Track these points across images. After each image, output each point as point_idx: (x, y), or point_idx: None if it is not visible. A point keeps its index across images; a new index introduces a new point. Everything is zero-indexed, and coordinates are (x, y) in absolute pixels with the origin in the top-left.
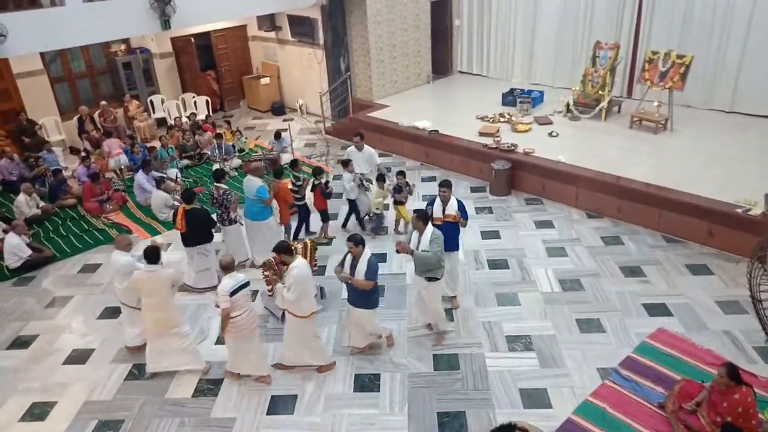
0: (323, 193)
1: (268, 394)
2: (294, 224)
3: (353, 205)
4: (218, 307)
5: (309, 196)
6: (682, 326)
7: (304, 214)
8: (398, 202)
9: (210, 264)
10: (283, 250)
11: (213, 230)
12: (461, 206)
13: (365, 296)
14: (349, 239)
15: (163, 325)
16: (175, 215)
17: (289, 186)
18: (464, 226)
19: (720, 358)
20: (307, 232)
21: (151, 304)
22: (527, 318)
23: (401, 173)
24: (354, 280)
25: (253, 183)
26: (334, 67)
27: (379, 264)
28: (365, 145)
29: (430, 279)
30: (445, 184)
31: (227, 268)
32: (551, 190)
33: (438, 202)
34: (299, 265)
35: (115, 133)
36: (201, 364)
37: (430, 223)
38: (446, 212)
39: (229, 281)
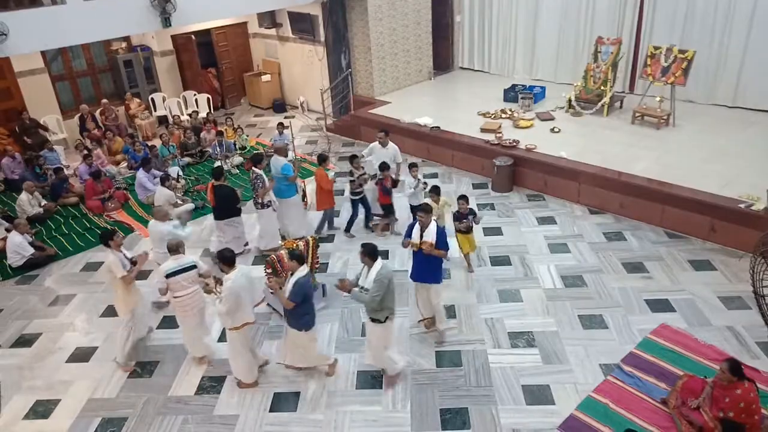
0: (384, 189)
1: (271, 391)
2: (343, 215)
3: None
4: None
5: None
6: (685, 322)
7: (356, 210)
8: (461, 231)
9: (239, 233)
10: (222, 259)
11: (238, 205)
12: (440, 234)
13: (294, 317)
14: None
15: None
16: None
17: (330, 176)
18: (445, 257)
19: (722, 353)
20: (366, 226)
21: None
22: (530, 314)
23: (414, 165)
24: (278, 291)
25: (278, 162)
26: (335, 63)
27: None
28: (390, 142)
29: (372, 320)
30: (424, 209)
31: (173, 250)
32: (553, 186)
33: (417, 226)
34: (233, 277)
35: (115, 132)
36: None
37: (380, 259)
38: (423, 239)
39: (170, 263)
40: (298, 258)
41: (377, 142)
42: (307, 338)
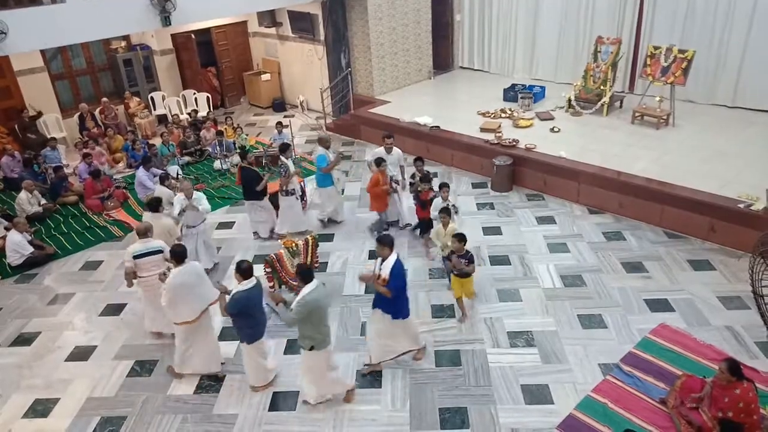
0: (422, 203)
1: (270, 390)
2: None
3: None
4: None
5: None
6: (684, 322)
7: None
8: (456, 274)
9: (264, 218)
10: (172, 254)
11: (258, 188)
12: (395, 270)
13: (235, 327)
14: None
15: None
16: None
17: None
18: (388, 295)
19: (721, 353)
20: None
21: None
22: (529, 314)
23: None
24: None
25: (316, 152)
26: (335, 63)
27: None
28: (394, 147)
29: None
30: (382, 240)
31: (141, 233)
32: (553, 185)
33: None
34: (175, 273)
35: (115, 129)
36: None
37: (314, 280)
38: (382, 273)
39: (136, 246)
40: (246, 271)
41: (382, 148)
42: (246, 351)
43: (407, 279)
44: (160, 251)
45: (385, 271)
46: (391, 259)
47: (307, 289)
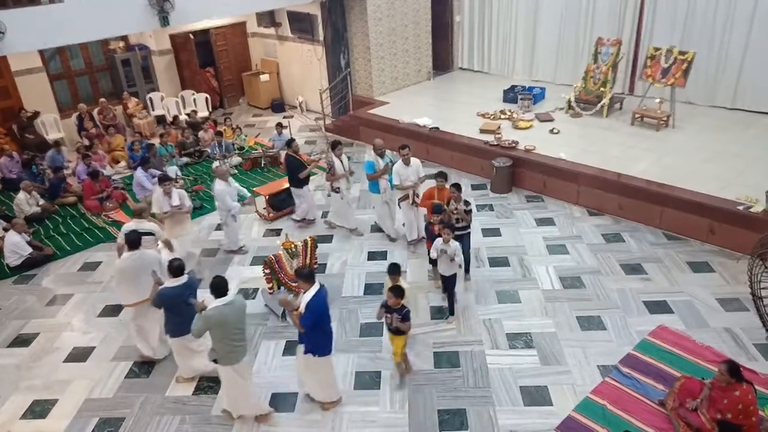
0: (432, 236)
1: (268, 391)
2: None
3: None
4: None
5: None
6: (683, 323)
7: (466, 247)
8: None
9: (302, 204)
10: (126, 240)
11: (300, 176)
12: (310, 305)
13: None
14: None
15: None
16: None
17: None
18: (300, 330)
19: (720, 355)
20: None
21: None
22: (528, 315)
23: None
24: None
25: (366, 158)
26: (334, 63)
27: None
28: (412, 158)
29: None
30: (298, 274)
31: (136, 213)
32: (552, 187)
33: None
34: (125, 257)
35: (114, 130)
36: None
37: (229, 295)
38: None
39: (130, 224)
40: (307, 276)
41: (400, 161)
42: (171, 343)
43: (329, 314)
44: (151, 234)
45: (303, 303)
46: (310, 293)
47: (213, 304)
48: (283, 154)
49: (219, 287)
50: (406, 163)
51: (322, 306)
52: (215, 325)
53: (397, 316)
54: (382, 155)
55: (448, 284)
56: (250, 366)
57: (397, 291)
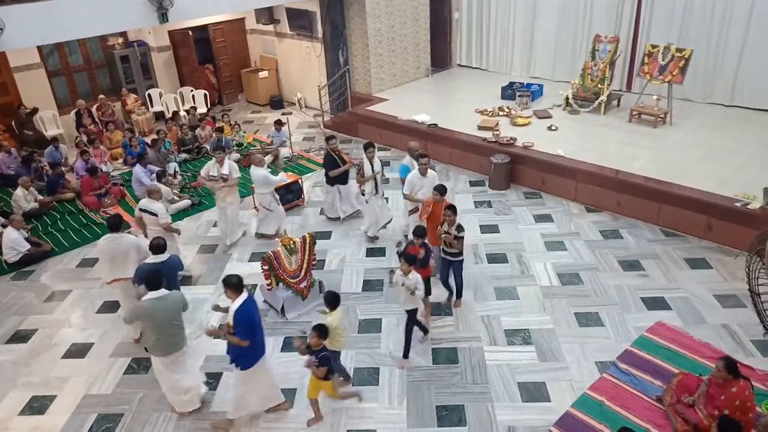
0: (413, 258)
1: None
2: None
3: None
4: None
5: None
6: (681, 320)
7: (457, 272)
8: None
9: (332, 201)
10: (107, 222)
11: (331, 174)
12: (243, 315)
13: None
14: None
15: None
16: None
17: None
18: (243, 344)
19: (718, 351)
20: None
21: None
22: (526, 312)
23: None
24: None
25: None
26: (333, 60)
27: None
28: (429, 169)
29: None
30: (229, 283)
31: (150, 192)
32: (550, 183)
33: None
34: (106, 237)
35: (114, 126)
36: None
37: (163, 291)
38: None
39: (144, 201)
40: (234, 285)
41: (416, 171)
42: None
43: (260, 324)
44: (155, 215)
45: (230, 315)
46: (236, 303)
47: (145, 297)
48: (282, 151)
49: (150, 281)
50: (423, 173)
51: (250, 315)
52: (143, 317)
53: (313, 358)
54: (417, 158)
55: (407, 319)
56: (183, 362)
57: (319, 329)
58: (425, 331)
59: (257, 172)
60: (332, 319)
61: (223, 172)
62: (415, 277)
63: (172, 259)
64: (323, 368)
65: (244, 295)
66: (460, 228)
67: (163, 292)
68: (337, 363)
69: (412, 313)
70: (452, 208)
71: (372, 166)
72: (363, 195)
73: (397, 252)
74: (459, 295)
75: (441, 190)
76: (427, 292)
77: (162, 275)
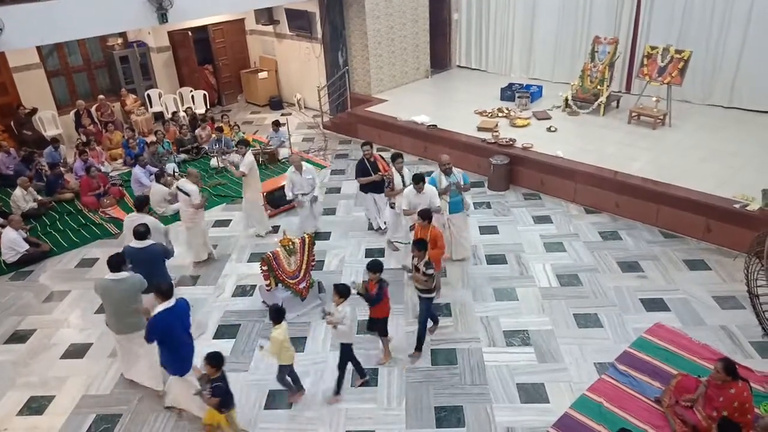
0: (369, 298)
1: (266, 388)
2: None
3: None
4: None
5: None
6: (680, 321)
7: (422, 314)
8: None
9: (368, 206)
10: (135, 204)
11: (359, 181)
12: (150, 323)
13: None
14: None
15: None
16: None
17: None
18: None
19: (717, 353)
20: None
21: None
22: (525, 313)
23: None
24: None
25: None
26: (332, 61)
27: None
28: (425, 185)
29: None
30: (157, 288)
31: (187, 175)
32: (549, 185)
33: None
34: (128, 216)
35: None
36: None
37: (124, 273)
38: None
39: (182, 180)
40: (162, 292)
41: (411, 188)
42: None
43: (177, 334)
44: (188, 194)
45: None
46: (157, 309)
47: (107, 276)
48: (281, 151)
49: (110, 263)
50: (419, 191)
51: (162, 324)
52: (99, 294)
53: (207, 388)
54: (447, 172)
55: (340, 354)
56: (140, 344)
57: (212, 357)
58: (362, 374)
59: (291, 176)
60: (278, 333)
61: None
62: (343, 311)
63: (152, 247)
64: (215, 399)
65: (168, 304)
66: (428, 265)
67: (122, 275)
68: (292, 374)
69: (344, 348)
70: (419, 244)
71: (402, 178)
72: (393, 207)
73: (353, 288)
74: (434, 321)
75: (423, 215)
76: (382, 333)
77: (125, 259)
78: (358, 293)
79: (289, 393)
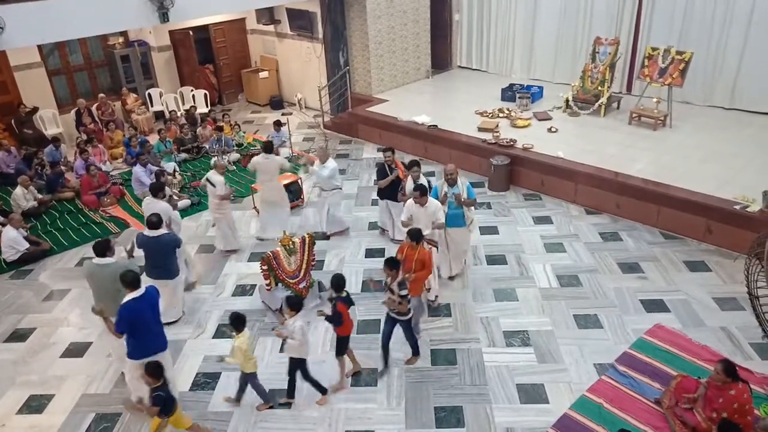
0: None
1: (265, 387)
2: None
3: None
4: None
5: None
6: (680, 322)
7: (406, 331)
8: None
9: (380, 215)
10: (150, 188)
11: (378, 185)
12: (123, 309)
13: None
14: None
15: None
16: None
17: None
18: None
19: (716, 354)
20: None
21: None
22: (525, 313)
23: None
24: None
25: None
26: (333, 61)
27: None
28: (429, 198)
29: None
30: (122, 278)
31: (216, 167)
32: (550, 185)
33: None
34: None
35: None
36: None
37: (113, 258)
38: None
39: (211, 173)
40: (128, 282)
41: (411, 201)
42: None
43: (144, 322)
44: (214, 186)
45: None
46: (127, 297)
47: (93, 260)
48: (282, 151)
49: (95, 247)
50: (422, 204)
51: (130, 313)
52: (85, 276)
53: (147, 396)
54: (450, 183)
55: (289, 367)
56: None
57: (148, 368)
58: (322, 391)
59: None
60: (240, 342)
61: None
62: (294, 325)
63: (164, 236)
64: (155, 408)
65: (136, 293)
66: (402, 285)
67: (107, 260)
68: (255, 384)
69: (293, 362)
70: (389, 262)
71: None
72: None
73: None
74: (415, 352)
75: (413, 235)
76: (340, 352)
77: (110, 245)
78: (326, 318)
79: (260, 403)
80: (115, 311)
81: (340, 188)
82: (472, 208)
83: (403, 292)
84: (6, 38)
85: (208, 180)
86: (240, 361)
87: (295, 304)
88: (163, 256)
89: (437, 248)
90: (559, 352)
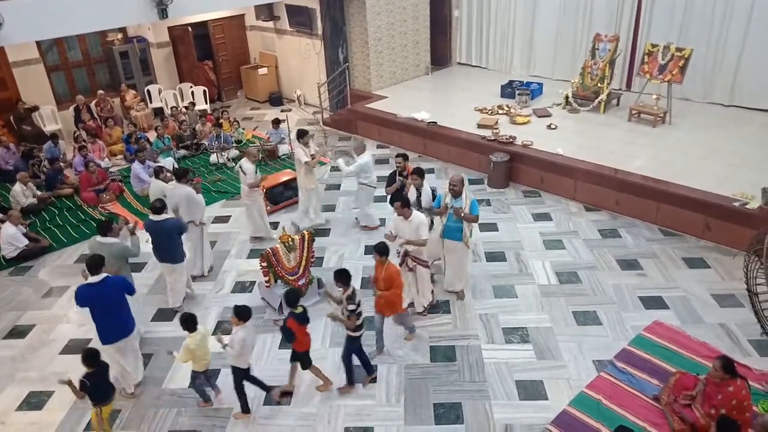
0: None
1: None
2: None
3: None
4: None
5: None
6: (678, 319)
7: (345, 350)
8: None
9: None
10: (174, 173)
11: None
12: (78, 290)
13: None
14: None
15: None
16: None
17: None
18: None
19: (715, 350)
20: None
21: None
22: (524, 310)
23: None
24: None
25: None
26: (333, 57)
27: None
28: (413, 211)
29: None
30: (87, 263)
31: (246, 153)
32: (549, 182)
33: None
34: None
35: (111, 123)
36: None
37: (115, 239)
38: None
39: (244, 161)
40: (89, 266)
41: (395, 215)
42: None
43: (100, 306)
44: (245, 173)
45: None
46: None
47: (98, 238)
48: (280, 148)
49: (98, 227)
50: (405, 216)
51: (81, 296)
52: (88, 249)
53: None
54: (455, 194)
55: (234, 378)
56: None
57: (85, 357)
58: (267, 389)
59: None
60: (191, 342)
61: (311, 152)
62: (236, 336)
63: (169, 221)
64: (81, 393)
65: (93, 279)
66: (351, 298)
67: (109, 239)
68: (202, 381)
69: (236, 372)
70: (339, 274)
71: (418, 195)
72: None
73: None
74: (369, 371)
75: (380, 249)
76: (304, 365)
77: (109, 226)
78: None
79: (200, 401)
80: None
81: (367, 185)
82: (474, 225)
83: (351, 307)
84: (4, 34)
85: (240, 168)
86: (188, 359)
87: (242, 312)
88: (166, 240)
89: (428, 267)
90: (558, 348)
